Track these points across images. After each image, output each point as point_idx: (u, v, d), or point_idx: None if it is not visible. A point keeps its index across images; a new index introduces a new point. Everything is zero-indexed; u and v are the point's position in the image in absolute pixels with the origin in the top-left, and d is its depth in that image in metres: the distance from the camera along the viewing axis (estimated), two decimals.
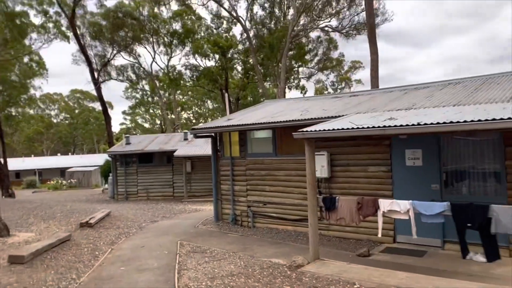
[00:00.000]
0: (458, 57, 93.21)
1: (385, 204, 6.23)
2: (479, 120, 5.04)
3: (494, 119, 4.91)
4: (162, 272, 6.65)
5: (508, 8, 78.14)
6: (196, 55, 37.74)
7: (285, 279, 5.93)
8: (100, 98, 33.57)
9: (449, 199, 6.61)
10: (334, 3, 32.20)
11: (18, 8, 29.42)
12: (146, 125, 68.79)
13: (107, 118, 33.32)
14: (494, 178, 6.93)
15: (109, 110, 36.30)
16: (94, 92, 37.27)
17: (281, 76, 31.83)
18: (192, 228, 10.92)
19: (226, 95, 27.15)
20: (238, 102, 40.03)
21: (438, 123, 5.37)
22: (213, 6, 36.13)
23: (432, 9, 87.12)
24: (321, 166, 8.65)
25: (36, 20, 42.56)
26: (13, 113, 40.28)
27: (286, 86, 37.57)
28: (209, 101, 58.10)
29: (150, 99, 54.56)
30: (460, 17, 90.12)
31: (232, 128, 10.41)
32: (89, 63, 32.94)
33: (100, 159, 40.69)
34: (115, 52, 36.70)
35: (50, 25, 32.34)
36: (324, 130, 6.51)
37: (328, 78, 44.20)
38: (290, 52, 34.74)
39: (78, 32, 32.24)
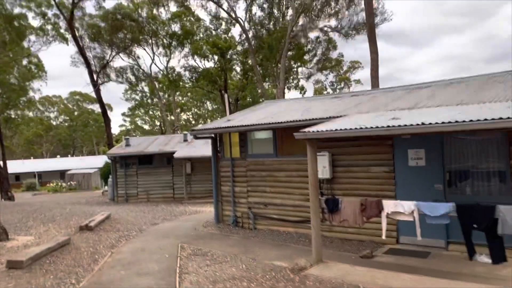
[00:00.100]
0: (456, 56, 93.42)
1: (389, 206, 6.15)
2: (485, 120, 4.98)
3: (501, 118, 4.86)
4: (163, 276, 6.55)
5: (506, 7, 78.23)
6: (195, 56, 37.73)
7: (288, 283, 5.84)
8: (99, 100, 33.50)
9: (453, 199, 6.53)
10: (333, 3, 32.13)
11: (17, 10, 29.47)
12: (146, 127, 68.82)
13: (107, 120, 33.27)
14: (498, 178, 6.86)
15: (108, 112, 36.30)
16: (93, 94, 37.20)
17: (280, 76, 31.77)
18: (192, 230, 10.82)
19: (225, 96, 27.03)
20: (237, 103, 39.95)
21: (443, 122, 5.31)
22: (212, 7, 36.09)
23: (430, 8, 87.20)
24: (322, 166, 8.55)
25: (35, 22, 42.71)
26: (13, 116, 40.34)
27: (285, 87, 37.54)
28: (208, 102, 58.03)
29: (149, 100, 54.59)
30: (458, 16, 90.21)
31: (232, 129, 10.31)
32: (88, 65, 32.84)
33: (99, 161, 40.55)
34: (114, 54, 36.67)
35: (49, 27, 32.41)
36: (327, 130, 6.43)
37: (327, 78, 44.35)
38: (289, 53, 34.69)
39: (77, 34, 32.20)
